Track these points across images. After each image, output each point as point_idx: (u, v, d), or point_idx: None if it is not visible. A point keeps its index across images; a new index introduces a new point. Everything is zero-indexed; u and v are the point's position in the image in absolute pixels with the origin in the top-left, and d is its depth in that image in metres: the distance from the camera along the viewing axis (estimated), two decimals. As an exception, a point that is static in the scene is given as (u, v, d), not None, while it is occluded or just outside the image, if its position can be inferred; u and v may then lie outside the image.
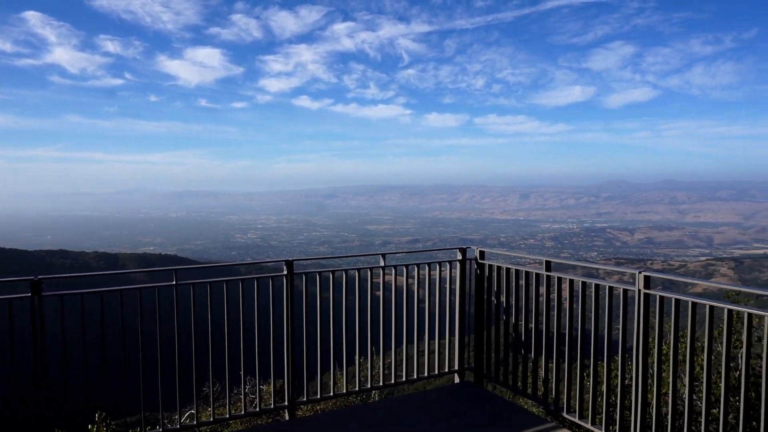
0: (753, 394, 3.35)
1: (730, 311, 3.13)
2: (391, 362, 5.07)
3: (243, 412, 4.42)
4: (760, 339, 3.34)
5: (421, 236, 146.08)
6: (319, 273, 4.54)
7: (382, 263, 4.83)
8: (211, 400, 4.20)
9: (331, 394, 4.80)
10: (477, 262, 5.13)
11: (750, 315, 3.03)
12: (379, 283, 4.87)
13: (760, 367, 3.08)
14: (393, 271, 4.90)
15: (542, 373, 4.44)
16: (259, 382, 4.56)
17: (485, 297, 5.09)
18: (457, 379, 5.33)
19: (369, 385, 4.93)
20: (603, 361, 3.92)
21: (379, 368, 4.95)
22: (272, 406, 4.58)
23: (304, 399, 4.67)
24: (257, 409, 4.50)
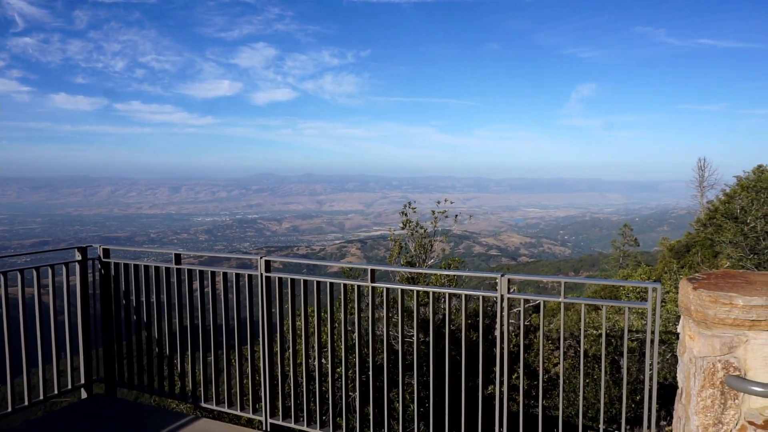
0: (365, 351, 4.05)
1: (331, 284, 3.70)
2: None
3: None
4: (368, 305, 4.10)
5: (52, 237, 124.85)
6: None
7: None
8: None
9: None
10: (101, 262, 4.65)
11: (345, 285, 3.66)
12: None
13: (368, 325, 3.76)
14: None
15: (178, 367, 4.36)
16: None
17: (113, 299, 4.67)
18: (84, 395, 4.76)
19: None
20: (234, 346, 4.12)
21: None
22: None
23: None
24: None
